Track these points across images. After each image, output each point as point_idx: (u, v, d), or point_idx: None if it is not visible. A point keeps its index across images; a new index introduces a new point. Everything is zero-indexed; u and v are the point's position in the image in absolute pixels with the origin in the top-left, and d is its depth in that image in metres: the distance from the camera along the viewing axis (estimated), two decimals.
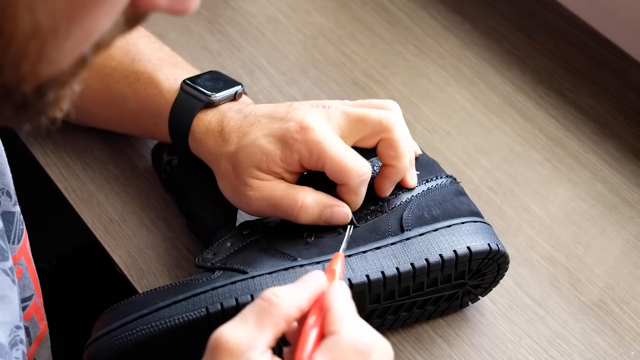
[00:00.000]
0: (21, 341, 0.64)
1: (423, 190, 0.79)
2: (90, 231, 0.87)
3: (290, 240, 0.75)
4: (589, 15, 1.07)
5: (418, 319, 0.81)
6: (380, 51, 1.04)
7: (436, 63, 1.03)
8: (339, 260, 0.66)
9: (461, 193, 0.81)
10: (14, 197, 0.67)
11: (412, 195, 0.79)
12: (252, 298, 0.69)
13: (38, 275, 0.74)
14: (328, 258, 0.73)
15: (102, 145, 0.92)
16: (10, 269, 0.63)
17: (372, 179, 0.78)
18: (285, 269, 0.72)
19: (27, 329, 0.71)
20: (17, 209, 0.68)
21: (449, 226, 0.76)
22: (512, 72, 1.03)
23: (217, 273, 0.73)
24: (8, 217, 0.67)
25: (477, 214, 0.80)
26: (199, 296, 0.70)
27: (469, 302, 0.81)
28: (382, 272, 0.73)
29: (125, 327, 0.69)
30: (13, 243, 0.67)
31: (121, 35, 0.46)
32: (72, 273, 1.06)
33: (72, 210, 0.88)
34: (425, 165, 0.82)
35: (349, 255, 0.73)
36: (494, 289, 0.84)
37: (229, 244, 0.76)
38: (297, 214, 0.75)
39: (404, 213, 0.77)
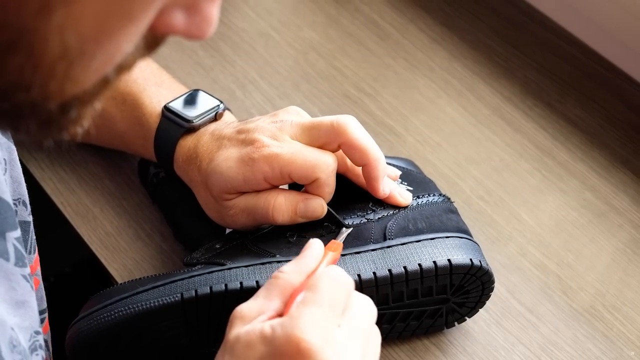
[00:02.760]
0: (40, 346, 0.65)
1: (412, 205, 0.80)
2: (87, 245, 0.87)
3: (274, 240, 0.77)
4: (576, 28, 1.08)
5: (401, 334, 0.81)
6: (370, 65, 1.05)
7: (426, 76, 1.05)
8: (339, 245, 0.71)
9: (452, 211, 0.81)
10: (29, 207, 0.68)
11: (401, 208, 0.79)
12: (226, 288, 0.71)
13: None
14: None
15: (98, 160, 0.92)
16: (30, 275, 0.64)
17: (359, 187, 0.79)
18: (262, 264, 0.73)
19: (47, 342, 0.71)
20: (31, 219, 0.69)
21: (432, 238, 0.76)
22: (501, 83, 1.04)
23: (199, 267, 0.75)
24: (24, 226, 0.68)
25: (464, 231, 0.79)
26: (176, 283, 0.72)
27: (455, 323, 0.81)
28: (359, 275, 0.73)
29: (105, 309, 0.72)
30: (30, 253, 0.68)
31: (142, 57, 0.48)
32: (70, 291, 1.06)
33: (68, 225, 0.88)
34: (420, 183, 0.83)
35: None
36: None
37: (217, 246, 0.78)
38: (272, 216, 0.76)
39: (389, 223, 0.77)
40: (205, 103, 0.82)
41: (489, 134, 0.99)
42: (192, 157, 0.79)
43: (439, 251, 0.75)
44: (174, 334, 0.73)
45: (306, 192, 0.77)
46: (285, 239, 0.77)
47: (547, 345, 0.83)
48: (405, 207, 0.79)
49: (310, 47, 1.06)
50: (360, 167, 0.78)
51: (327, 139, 0.76)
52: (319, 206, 0.76)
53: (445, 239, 0.77)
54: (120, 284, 0.75)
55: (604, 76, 1.05)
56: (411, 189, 0.82)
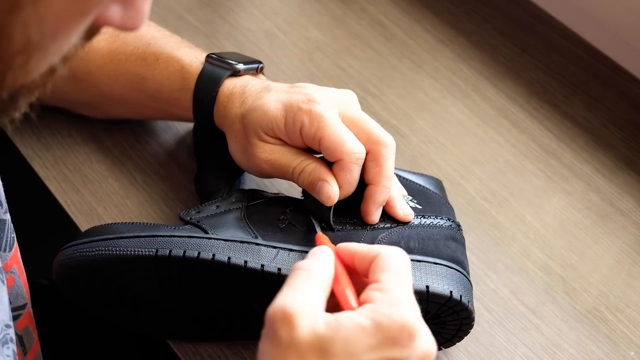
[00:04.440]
0: (11, 340, 0.66)
1: (413, 223, 0.78)
2: None
3: (264, 220, 0.77)
4: (582, 28, 1.08)
5: None
6: (376, 65, 1.05)
7: (431, 76, 1.04)
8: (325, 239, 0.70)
9: (454, 239, 0.78)
10: (5, 205, 0.69)
11: (400, 224, 0.78)
12: (198, 255, 0.73)
13: (37, 290, 0.76)
14: (284, 246, 0.75)
15: (101, 158, 0.93)
16: (1, 270, 0.65)
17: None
18: (241, 242, 0.74)
19: (21, 338, 0.72)
20: (8, 217, 0.69)
21: (419, 261, 0.75)
22: (506, 84, 1.04)
23: (188, 227, 0.77)
24: (0, 225, 0.68)
25: (458, 262, 0.77)
26: (156, 238, 0.74)
27: None
28: None
29: (90, 244, 0.75)
30: (4, 251, 0.69)
31: (81, 47, 0.50)
32: None
33: (72, 224, 0.89)
34: (432, 204, 0.82)
35: (308, 252, 0.74)
36: (489, 297, 0.85)
37: (215, 207, 0.79)
38: (298, 177, 0.77)
39: (381, 235, 0.76)
40: (247, 59, 0.86)
41: (494, 135, 0.99)
42: (238, 94, 0.81)
43: (421, 275, 0.74)
44: (147, 285, 0.75)
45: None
46: (275, 222, 0.77)
47: (550, 346, 0.83)
48: (405, 224, 0.78)
49: (315, 47, 1.06)
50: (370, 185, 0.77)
51: (364, 139, 0.76)
52: (329, 194, 0.76)
53: (432, 264, 0.75)
54: (113, 224, 0.78)
55: (610, 77, 1.05)
56: (420, 207, 0.80)
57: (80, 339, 1.02)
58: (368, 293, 0.62)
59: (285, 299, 0.59)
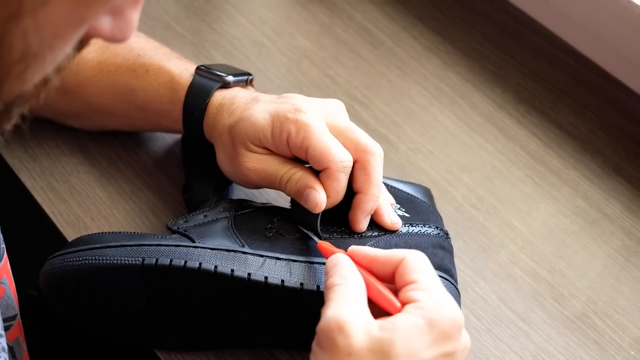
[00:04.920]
0: (4, 349, 0.66)
1: (401, 231, 0.78)
2: None
3: (252, 229, 0.78)
4: (569, 35, 1.08)
5: None
6: (363, 73, 1.05)
7: (419, 83, 1.05)
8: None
9: (442, 247, 0.79)
10: None
11: (387, 232, 0.78)
12: (185, 264, 0.73)
13: (26, 301, 0.76)
14: (271, 255, 0.75)
15: (89, 169, 0.92)
16: None
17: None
18: (228, 251, 0.75)
19: (12, 350, 0.72)
20: None
21: None
22: (494, 91, 1.04)
23: (175, 236, 0.77)
24: None
25: (445, 270, 0.77)
26: (143, 247, 0.74)
27: None
28: (317, 286, 0.73)
29: (76, 254, 0.75)
30: None
31: (73, 58, 0.50)
32: None
33: (59, 235, 0.88)
34: (421, 212, 0.82)
35: (295, 261, 0.75)
36: (477, 304, 0.85)
37: (202, 216, 0.79)
38: (285, 185, 0.78)
39: (368, 244, 0.76)
40: (236, 71, 0.86)
41: (482, 142, 0.99)
42: (227, 105, 0.82)
43: None
44: (134, 294, 0.75)
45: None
46: (262, 231, 0.77)
47: (539, 353, 0.83)
48: (393, 232, 0.78)
49: (303, 56, 1.06)
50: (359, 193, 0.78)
51: (352, 148, 0.77)
52: (315, 201, 0.76)
53: None
54: (100, 233, 0.78)
55: (597, 83, 1.05)
56: (408, 215, 0.80)
57: (70, 350, 1.02)
58: (408, 294, 0.64)
59: (336, 312, 0.62)
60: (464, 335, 0.65)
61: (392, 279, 0.67)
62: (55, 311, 0.80)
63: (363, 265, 0.68)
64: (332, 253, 0.69)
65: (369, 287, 0.66)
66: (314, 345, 0.63)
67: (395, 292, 0.66)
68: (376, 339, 0.60)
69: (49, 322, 0.99)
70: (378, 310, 0.64)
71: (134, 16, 0.49)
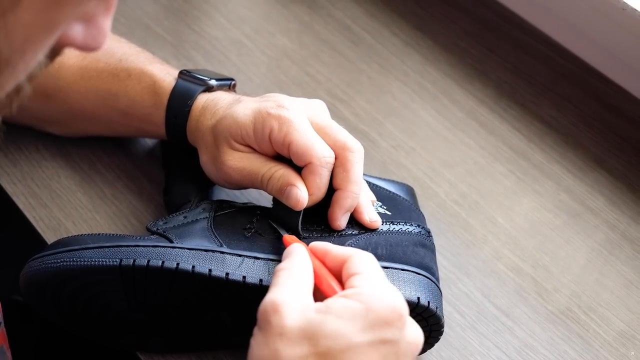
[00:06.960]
0: None
1: (382, 230, 0.78)
2: None
3: (231, 230, 0.78)
4: (549, 28, 1.08)
5: None
6: (343, 70, 1.05)
7: (399, 80, 1.04)
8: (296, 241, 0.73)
9: (423, 245, 0.78)
10: None
11: (368, 230, 0.78)
12: (162, 265, 0.73)
13: (12, 307, 0.75)
14: (249, 254, 0.75)
15: (70, 173, 0.92)
16: None
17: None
18: (205, 251, 0.75)
19: None
20: None
21: (386, 267, 0.74)
22: (475, 86, 1.04)
23: (153, 237, 0.77)
24: None
25: (427, 268, 0.76)
26: (120, 248, 0.74)
27: None
28: None
29: (55, 256, 0.75)
30: None
31: (45, 66, 0.50)
32: None
33: (41, 240, 0.88)
34: (402, 210, 0.81)
35: (274, 260, 0.75)
36: (461, 301, 0.85)
37: (182, 217, 0.80)
38: (267, 184, 0.78)
39: (348, 242, 0.76)
40: (218, 75, 0.87)
41: (463, 137, 0.99)
42: (210, 107, 0.82)
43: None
44: (113, 296, 0.75)
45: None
46: (241, 231, 0.77)
47: (524, 348, 0.83)
48: (373, 230, 0.78)
49: (283, 54, 1.06)
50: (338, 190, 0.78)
51: (333, 145, 0.77)
52: (296, 198, 0.76)
53: (400, 271, 0.74)
54: (80, 235, 0.77)
55: (578, 76, 1.05)
56: (389, 213, 0.80)
57: (53, 356, 1.01)
58: (351, 281, 0.65)
59: (273, 294, 0.63)
60: (411, 328, 0.64)
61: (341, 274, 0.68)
62: (39, 316, 0.79)
63: (318, 257, 0.69)
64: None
65: (316, 275, 0.67)
66: (254, 328, 0.63)
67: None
68: (308, 320, 0.61)
69: (33, 327, 0.98)
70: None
71: (106, 23, 0.49)
